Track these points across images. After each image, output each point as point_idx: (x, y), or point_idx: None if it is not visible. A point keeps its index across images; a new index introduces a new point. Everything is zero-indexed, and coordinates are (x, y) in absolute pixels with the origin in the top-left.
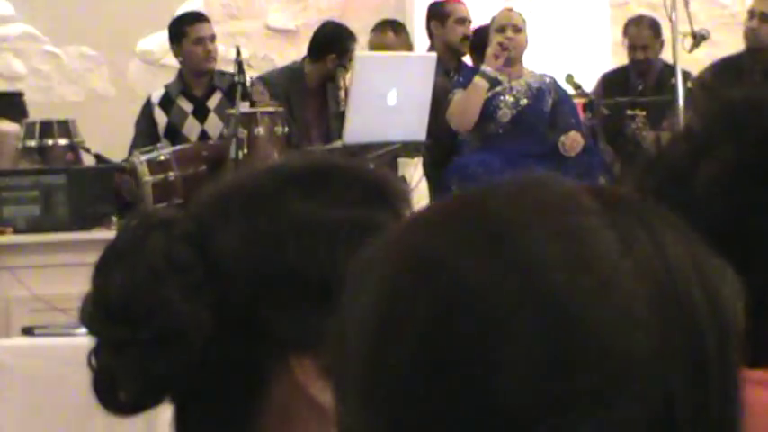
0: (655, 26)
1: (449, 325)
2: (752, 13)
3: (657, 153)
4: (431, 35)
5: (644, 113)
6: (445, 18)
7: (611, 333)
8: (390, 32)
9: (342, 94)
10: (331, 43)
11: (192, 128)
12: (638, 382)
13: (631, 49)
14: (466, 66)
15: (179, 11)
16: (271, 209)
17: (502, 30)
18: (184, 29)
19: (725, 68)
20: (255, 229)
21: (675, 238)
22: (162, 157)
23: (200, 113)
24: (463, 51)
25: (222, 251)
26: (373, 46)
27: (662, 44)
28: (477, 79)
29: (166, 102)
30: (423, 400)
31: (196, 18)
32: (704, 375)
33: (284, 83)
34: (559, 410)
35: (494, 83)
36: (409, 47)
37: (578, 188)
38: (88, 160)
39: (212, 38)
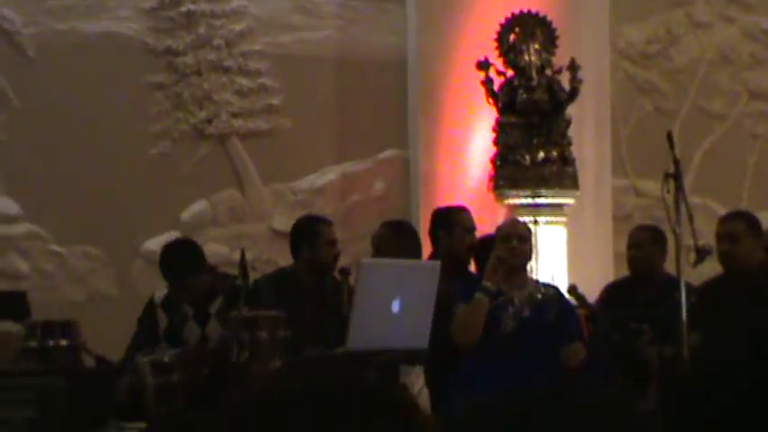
0: (654, 232)
1: None
2: (719, 237)
3: (676, 376)
4: (435, 241)
5: (647, 326)
6: (453, 227)
7: None
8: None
9: (345, 298)
10: (300, 234)
11: (191, 331)
12: None
13: (627, 249)
14: (469, 273)
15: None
16: (303, 426)
17: (507, 239)
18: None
19: (709, 291)
20: None
21: None
22: (166, 359)
23: (202, 317)
24: (468, 261)
25: None
26: (377, 243)
27: (662, 252)
28: (479, 296)
29: (169, 303)
30: None
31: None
32: None
33: (273, 286)
34: None
35: (496, 294)
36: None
37: None
38: (90, 361)
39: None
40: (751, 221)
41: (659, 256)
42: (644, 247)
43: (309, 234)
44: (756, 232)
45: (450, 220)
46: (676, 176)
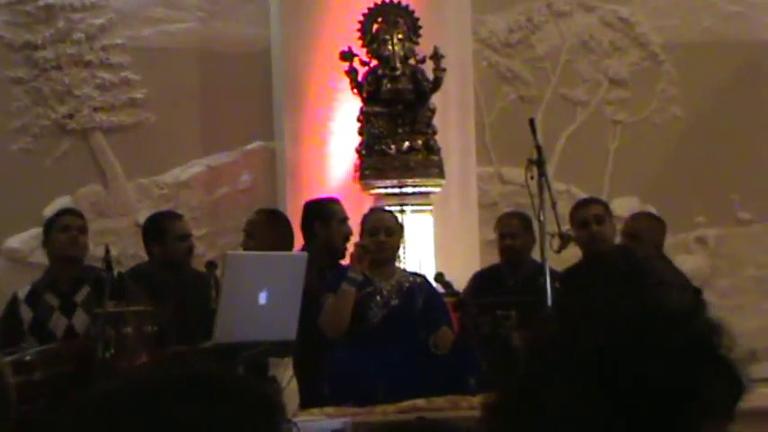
0: (524, 219)
1: None
2: (584, 220)
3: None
4: (312, 233)
5: (514, 312)
6: (329, 218)
7: None
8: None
9: (213, 292)
10: (149, 233)
11: (58, 323)
12: None
13: (501, 238)
14: (341, 265)
15: (47, 209)
16: (155, 414)
17: (374, 232)
18: (53, 221)
19: (571, 277)
20: None
21: None
22: (27, 358)
23: (67, 308)
24: (344, 252)
25: None
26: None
27: (533, 239)
28: (345, 286)
29: (33, 297)
30: None
31: (65, 211)
32: None
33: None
34: None
35: (363, 284)
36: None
37: None
38: None
39: (80, 228)
40: (607, 205)
41: (531, 244)
42: (519, 236)
43: (158, 231)
44: (611, 216)
45: (326, 212)
46: (539, 163)
